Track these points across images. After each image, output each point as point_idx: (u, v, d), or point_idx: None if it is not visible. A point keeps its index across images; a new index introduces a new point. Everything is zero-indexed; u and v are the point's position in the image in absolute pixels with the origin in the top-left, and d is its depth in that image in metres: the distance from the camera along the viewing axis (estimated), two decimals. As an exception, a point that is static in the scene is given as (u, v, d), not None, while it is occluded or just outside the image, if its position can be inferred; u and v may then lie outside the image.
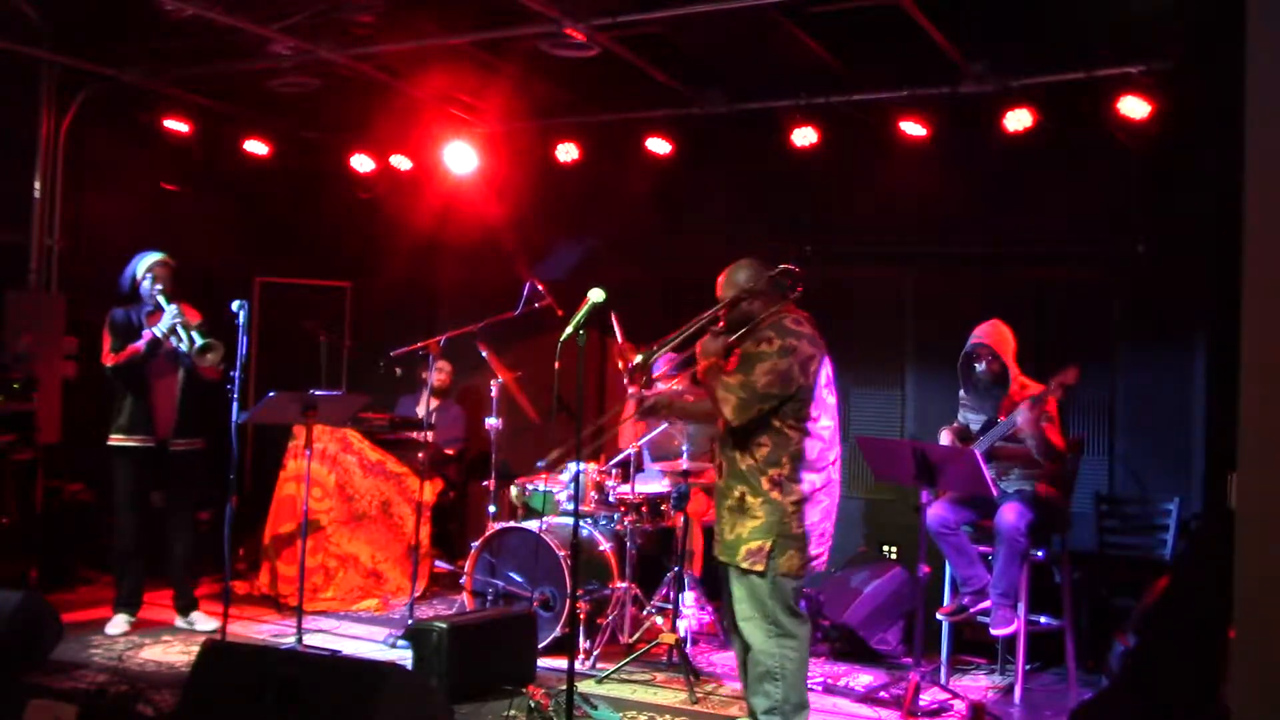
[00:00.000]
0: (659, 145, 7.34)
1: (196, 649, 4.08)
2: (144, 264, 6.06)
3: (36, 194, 7.52)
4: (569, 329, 4.49)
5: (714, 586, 6.64)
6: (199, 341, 5.79)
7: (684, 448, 6.07)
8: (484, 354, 6.55)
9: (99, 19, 6.88)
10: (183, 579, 6.21)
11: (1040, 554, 5.49)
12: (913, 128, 6.66)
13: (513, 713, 4.69)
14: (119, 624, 6.00)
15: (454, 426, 7.94)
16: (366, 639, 6.10)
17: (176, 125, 7.87)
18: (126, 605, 6.06)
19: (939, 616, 5.62)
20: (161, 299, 5.96)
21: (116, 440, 6.02)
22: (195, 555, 6.27)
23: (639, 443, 6.40)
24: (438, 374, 7.25)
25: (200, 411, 5.76)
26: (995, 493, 5.45)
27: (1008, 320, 5.77)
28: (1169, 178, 6.46)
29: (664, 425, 6.58)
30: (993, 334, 5.62)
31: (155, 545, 6.16)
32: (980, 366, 5.62)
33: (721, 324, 4.32)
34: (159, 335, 5.89)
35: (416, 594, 6.38)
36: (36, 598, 5.27)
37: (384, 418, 7.63)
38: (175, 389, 6.04)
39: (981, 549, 5.58)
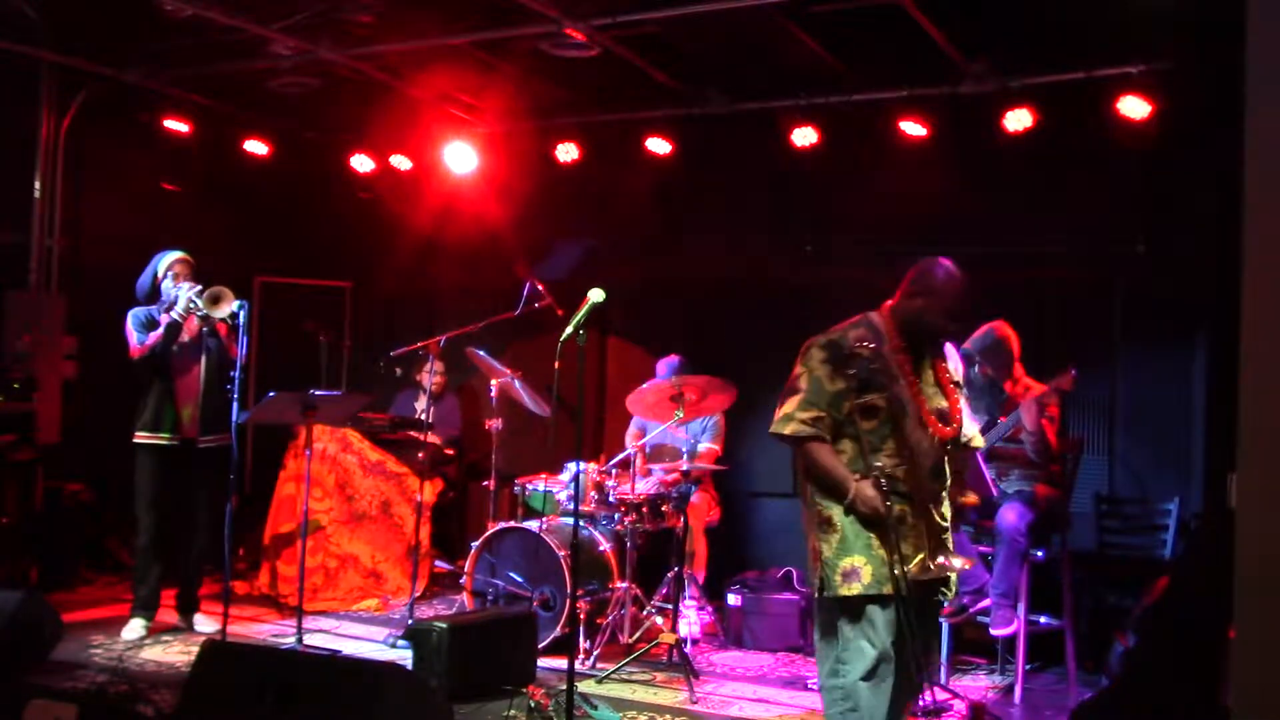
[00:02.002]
0: (659, 145, 7.34)
1: (196, 649, 4.08)
2: (164, 263, 6.01)
3: (36, 194, 7.53)
4: (569, 329, 4.49)
5: (714, 588, 6.66)
6: (206, 294, 5.71)
7: (684, 449, 6.07)
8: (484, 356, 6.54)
9: (99, 19, 6.88)
10: (192, 579, 6.18)
11: (1040, 554, 5.49)
12: (913, 128, 6.66)
13: (513, 713, 4.69)
14: (135, 628, 5.93)
15: (450, 416, 7.95)
16: (366, 639, 6.09)
17: (176, 125, 7.88)
18: (144, 608, 5.99)
19: (939, 617, 5.62)
20: (176, 289, 5.86)
21: (141, 438, 5.94)
22: (208, 557, 6.15)
23: (640, 443, 6.40)
24: (435, 377, 7.26)
25: (226, 407, 5.69)
26: (995, 493, 5.45)
27: (1008, 321, 5.75)
28: (1169, 178, 6.46)
29: (665, 426, 6.58)
30: (986, 339, 5.61)
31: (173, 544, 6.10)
32: (974, 370, 5.62)
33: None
34: (176, 318, 5.82)
35: (416, 594, 6.38)
36: (36, 598, 5.26)
37: (384, 418, 7.64)
38: (199, 385, 5.95)
39: (981, 549, 5.58)
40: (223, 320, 5.84)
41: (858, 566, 3.63)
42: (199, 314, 5.80)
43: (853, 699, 3.64)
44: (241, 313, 5.53)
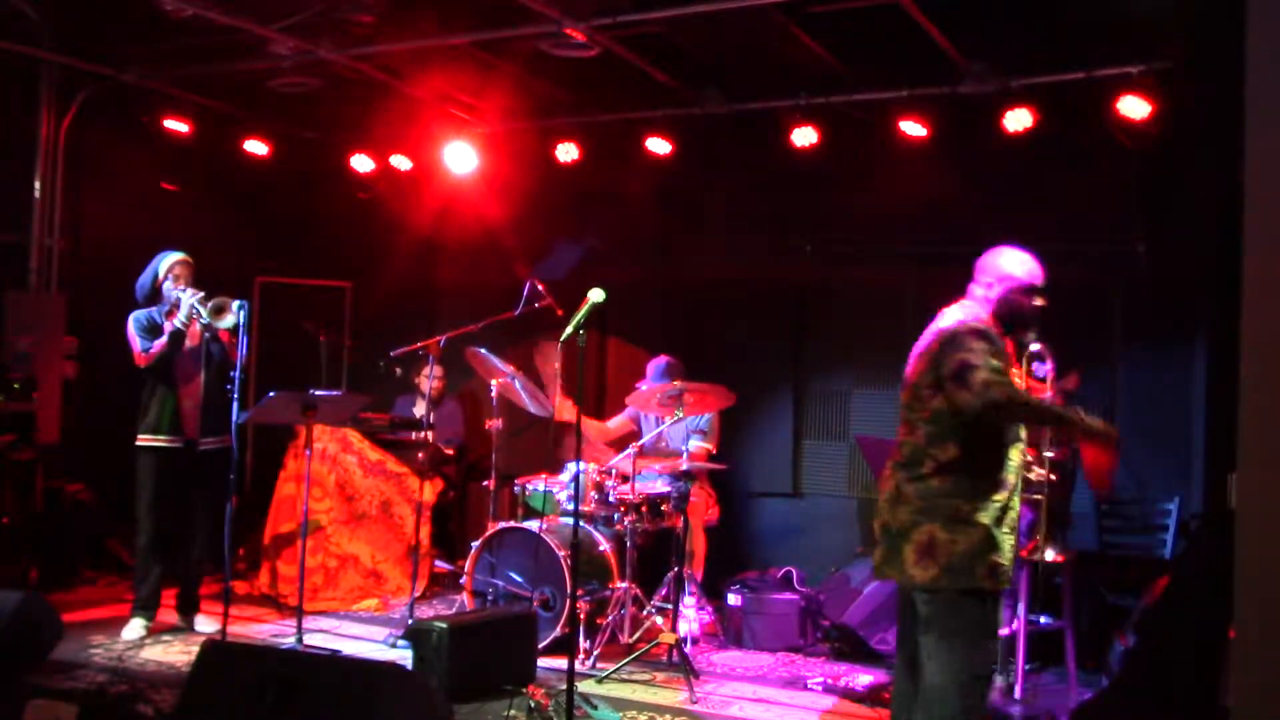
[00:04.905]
0: (659, 145, 7.34)
1: (196, 649, 4.08)
2: (165, 264, 6.00)
3: (36, 194, 7.52)
4: (569, 329, 4.49)
5: (714, 588, 6.66)
6: (210, 305, 5.71)
7: (683, 448, 6.07)
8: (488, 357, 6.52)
9: (99, 19, 6.88)
10: (192, 579, 6.18)
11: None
12: (913, 128, 6.66)
13: (513, 713, 4.69)
14: (135, 628, 5.93)
15: (452, 421, 7.95)
16: (366, 639, 6.09)
17: (176, 125, 7.87)
18: (144, 608, 6.00)
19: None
20: (178, 292, 5.86)
21: (144, 440, 5.95)
22: (208, 557, 6.15)
23: (640, 442, 6.40)
24: (434, 381, 7.26)
25: (227, 409, 5.69)
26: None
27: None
28: (1169, 178, 6.46)
29: (661, 428, 6.59)
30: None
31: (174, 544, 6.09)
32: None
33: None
34: (180, 326, 5.82)
35: (416, 594, 6.38)
36: (36, 598, 5.25)
37: (384, 418, 7.63)
38: (200, 388, 5.94)
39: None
40: (226, 329, 5.84)
41: (1002, 564, 3.62)
42: (201, 321, 5.80)
43: (974, 694, 3.62)
44: (241, 313, 5.52)
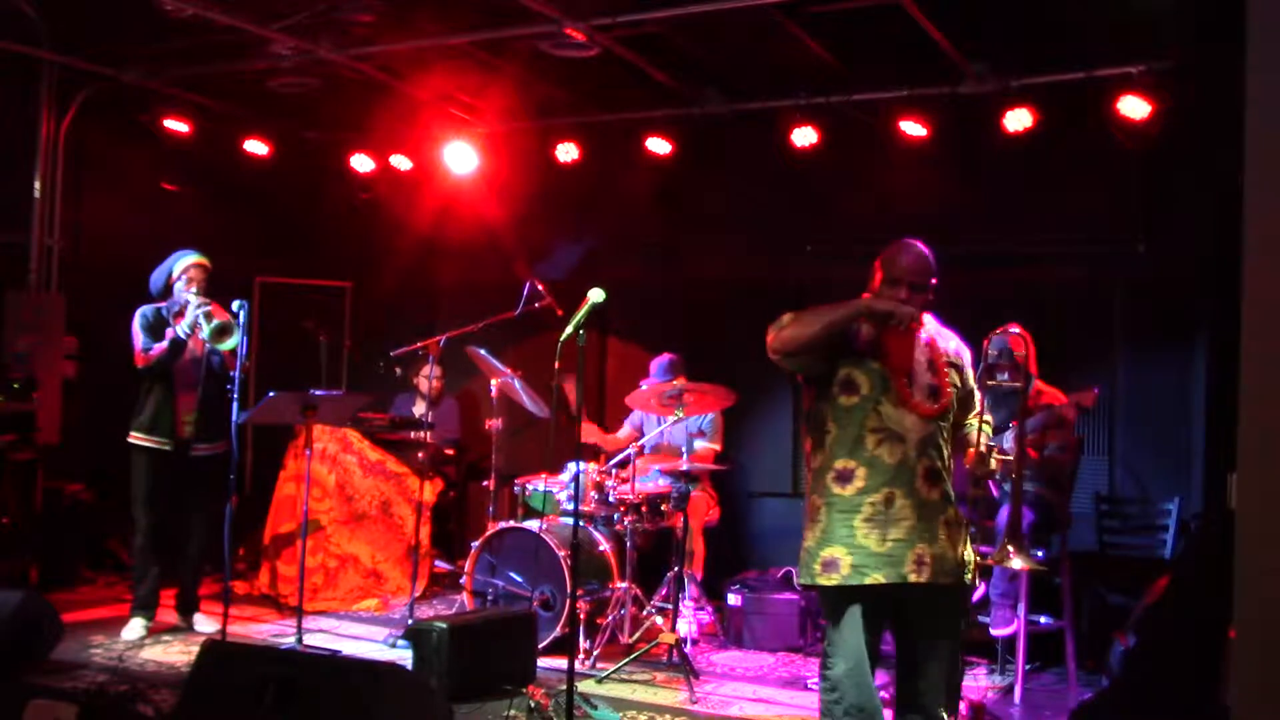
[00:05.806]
0: (659, 145, 7.34)
1: (196, 649, 4.08)
2: (181, 264, 5.98)
3: (36, 194, 7.52)
4: (569, 329, 4.49)
5: (714, 588, 6.66)
6: (214, 323, 5.71)
7: (683, 449, 6.07)
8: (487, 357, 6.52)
9: (99, 19, 6.88)
10: (190, 580, 6.18)
11: (1040, 554, 5.49)
12: (913, 128, 6.66)
13: (513, 713, 4.69)
14: (135, 628, 5.94)
15: (449, 420, 7.96)
16: (366, 639, 6.10)
17: (176, 125, 7.87)
18: (144, 608, 6.00)
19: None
20: (188, 296, 5.85)
21: (136, 439, 5.94)
22: (206, 557, 6.17)
23: (640, 442, 6.41)
24: (433, 381, 7.26)
25: (224, 415, 5.69)
26: (995, 493, 5.44)
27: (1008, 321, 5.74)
28: (1169, 178, 6.47)
29: (661, 428, 6.59)
30: (1013, 345, 5.58)
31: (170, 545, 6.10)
32: (1003, 377, 5.59)
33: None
34: (182, 335, 5.80)
35: (416, 594, 6.38)
36: (36, 598, 5.26)
37: (384, 418, 7.64)
38: (197, 395, 5.94)
39: (982, 549, 5.57)
40: (227, 350, 5.82)
41: (837, 557, 3.55)
42: (203, 336, 5.79)
43: (839, 690, 3.59)
44: (241, 313, 5.52)
